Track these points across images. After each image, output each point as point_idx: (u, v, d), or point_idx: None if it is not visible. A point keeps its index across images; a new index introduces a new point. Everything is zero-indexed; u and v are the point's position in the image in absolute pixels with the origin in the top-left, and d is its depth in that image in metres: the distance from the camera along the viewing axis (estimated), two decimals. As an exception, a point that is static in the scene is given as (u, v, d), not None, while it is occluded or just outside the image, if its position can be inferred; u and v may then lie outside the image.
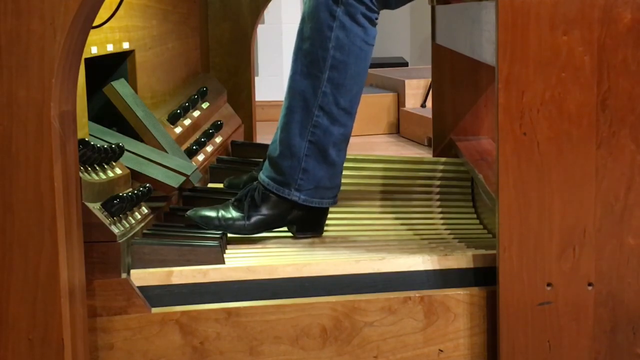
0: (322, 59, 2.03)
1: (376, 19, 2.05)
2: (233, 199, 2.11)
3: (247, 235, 2.08)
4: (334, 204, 2.15)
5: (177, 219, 2.15)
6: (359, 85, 2.08)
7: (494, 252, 1.71)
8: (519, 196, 1.63)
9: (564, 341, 1.66)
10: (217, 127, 2.77)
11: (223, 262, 1.80)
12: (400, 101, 5.08)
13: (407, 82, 5.04)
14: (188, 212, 2.06)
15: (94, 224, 1.67)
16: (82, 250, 1.57)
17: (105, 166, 1.87)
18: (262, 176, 2.12)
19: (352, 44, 2.03)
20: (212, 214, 2.06)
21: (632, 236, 1.64)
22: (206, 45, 3.15)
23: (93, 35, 1.96)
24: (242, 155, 2.86)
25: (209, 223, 2.04)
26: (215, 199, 2.37)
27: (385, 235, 2.20)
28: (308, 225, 2.13)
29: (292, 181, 2.08)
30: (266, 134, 4.47)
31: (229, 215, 2.06)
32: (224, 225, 2.05)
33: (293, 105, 2.07)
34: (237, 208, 2.08)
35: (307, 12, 2.06)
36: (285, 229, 2.14)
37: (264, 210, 2.09)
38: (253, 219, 2.08)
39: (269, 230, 2.11)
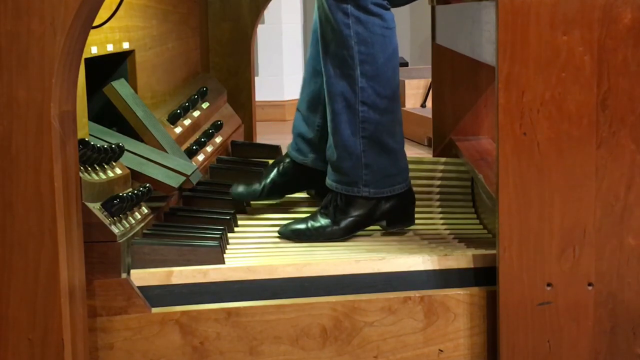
0: (349, 57, 2.05)
1: (388, 3, 2.06)
2: (320, 207, 2.15)
3: (340, 240, 2.11)
4: (407, 187, 2.16)
5: (177, 219, 2.15)
6: (394, 69, 2.10)
7: (494, 252, 1.71)
8: (519, 196, 1.63)
9: (564, 341, 1.66)
10: (217, 127, 2.77)
11: (223, 262, 1.80)
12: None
13: (407, 82, 5.04)
14: (279, 230, 2.13)
15: (94, 224, 1.67)
16: (82, 250, 1.57)
17: (105, 166, 1.87)
18: (329, 181, 2.16)
19: (373, 34, 2.04)
20: (302, 226, 2.12)
21: (632, 236, 1.64)
22: (206, 45, 3.14)
23: (93, 35, 1.95)
24: (242, 155, 2.86)
25: (301, 235, 2.11)
26: (216, 199, 2.37)
27: (385, 235, 2.20)
28: (397, 217, 2.16)
29: (358, 179, 2.11)
30: (266, 134, 4.48)
31: (319, 224, 2.11)
32: (316, 235, 2.11)
33: (336, 107, 2.09)
34: (325, 215, 2.12)
35: (322, 17, 2.08)
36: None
37: (352, 212, 2.12)
38: (342, 223, 2.12)
39: (361, 230, 2.14)
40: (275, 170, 2.35)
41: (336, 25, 2.04)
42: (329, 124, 2.13)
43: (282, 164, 2.37)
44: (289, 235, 2.11)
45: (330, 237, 2.10)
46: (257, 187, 2.37)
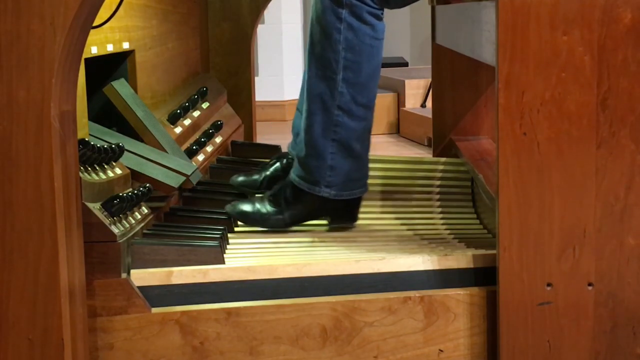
0: (334, 61, 2.06)
1: (382, 13, 2.07)
2: (269, 193, 2.18)
3: (284, 229, 2.15)
4: (365, 192, 2.20)
5: (177, 219, 2.15)
6: (375, 80, 2.11)
7: (494, 252, 1.71)
8: (519, 196, 1.63)
9: (564, 341, 1.66)
10: (217, 127, 2.77)
11: (223, 262, 1.80)
12: (400, 101, 5.08)
13: (407, 82, 5.05)
14: (227, 207, 2.15)
15: (94, 224, 1.67)
16: (82, 250, 1.57)
17: (105, 166, 1.87)
18: (293, 175, 2.18)
19: (362, 43, 2.05)
20: (249, 208, 2.14)
21: (632, 236, 1.64)
22: (206, 45, 3.14)
23: (93, 35, 1.95)
24: (242, 155, 2.86)
25: (245, 218, 2.14)
26: (216, 199, 2.37)
27: (385, 235, 2.20)
28: (343, 215, 2.19)
29: (321, 179, 2.13)
30: (266, 134, 4.47)
31: (265, 211, 2.14)
32: (260, 220, 2.14)
33: (313, 107, 2.11)
34: (273, 203, 2.15)
35: (314, 16, 2.08)
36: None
37: (299, 206, 2.15)
38: (288, 214, 2.15)
39: (303, 222, 2.18)
40: (278, 164, 2.40)
41: (327, 28, 2.05)
42: (303, 121, 2.15)
43: (285, 159, 2.44)
44: (235, 215, 2.15)
45: (274, 225, 2.14)
46: (257, 177, 2.41)
